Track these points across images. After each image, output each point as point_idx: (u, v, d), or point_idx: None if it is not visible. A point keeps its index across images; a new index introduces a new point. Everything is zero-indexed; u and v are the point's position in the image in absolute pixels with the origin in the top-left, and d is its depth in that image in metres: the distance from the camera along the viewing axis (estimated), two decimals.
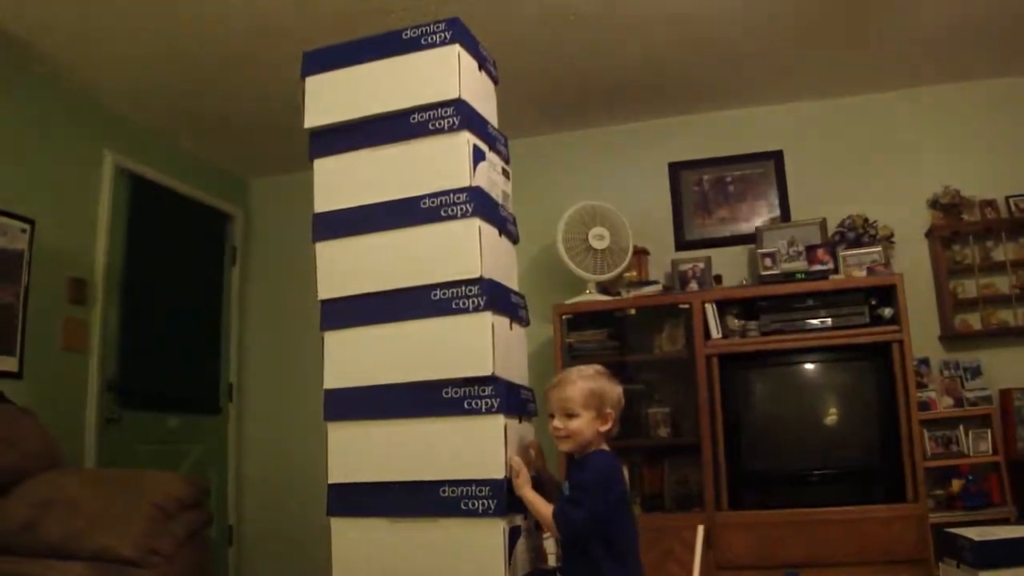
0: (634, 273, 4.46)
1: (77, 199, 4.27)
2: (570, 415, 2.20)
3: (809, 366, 4.01)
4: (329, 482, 2.38)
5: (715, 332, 3.99)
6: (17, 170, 3.89)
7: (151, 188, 4.79)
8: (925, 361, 4.19)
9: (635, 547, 2.16)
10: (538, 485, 2.25)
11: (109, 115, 4.48)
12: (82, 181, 4.31)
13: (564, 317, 4.26)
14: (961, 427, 4.05)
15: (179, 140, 4.99)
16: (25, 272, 3.86)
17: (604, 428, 2.17)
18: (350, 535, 2.36)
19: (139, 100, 4.44)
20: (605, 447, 2.21)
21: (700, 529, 1.09)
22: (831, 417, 3.95)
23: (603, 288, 4.37)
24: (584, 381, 2.23)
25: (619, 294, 4.33)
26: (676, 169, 4.80)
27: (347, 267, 2.44)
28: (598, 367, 2.29)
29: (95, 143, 4.40)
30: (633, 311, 4.26)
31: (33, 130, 4.00)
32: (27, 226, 3.88)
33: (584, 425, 2.18)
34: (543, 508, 2.15)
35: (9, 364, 3.74)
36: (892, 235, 4.31)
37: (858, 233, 4.25)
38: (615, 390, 2.21)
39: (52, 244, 4.02)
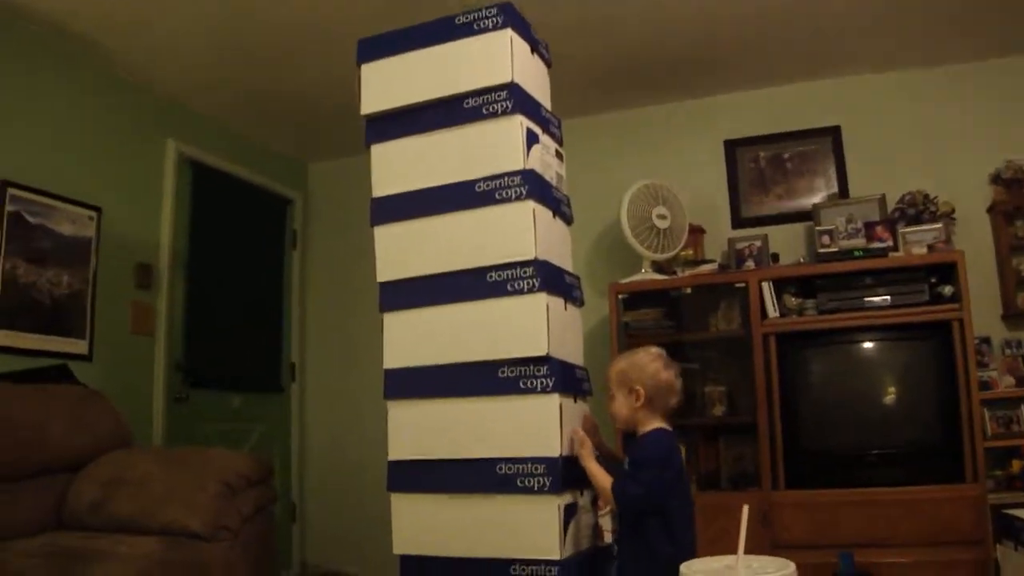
0: (690, 251, 4.43)
1: (142, 186, 4.39)
2: (611, 397, 2.27)
3: (867, 345, 3.96)
4: (389, 459, 2.45)
5: (772, 311, 3.95)
6: (84, 160, 4.01)
7: (213, 174, 4.90)
8: (986, 340, 4.11)
9: (691, 525, 2.19)
10: (598, 460, 2.29)
11: (170, 104, 4.59)
12: (146, 169, 4.42)
13: (620, 296, 4.26)
14: (1023, 407, 3.97)
15: (239, 126, 5.08)
16: (93, 258, 3.99)
17: (639, 403, 2.22)
18: (409, 510, 2.43)
19: (199, 88, 4.53)
20: (664, 425, 2.24)
21: (745, 509, 1.11)
22: (889, 396, 3.89)
23: (658, 267, 4.35)
24: (617, 363, 2.32)
25: (675, 273, 4.31)
26: (732, 146, 4.74)
27: (404, 250, 2.50)
28: (649, 348, 2.33)
29: (158, 132, 4.50)
30: (689, 290, 4.23)
31: (97, 122, 4.11)
32: (94, 214, 4.00)
33: (620, 405, 2.27)
34: (603, 480, 2.21)
35: (80, 347, 3.88)
36: (953, 211, 4.22)
37: (918, 210, 4.17)
38: (648, 366, 2.25)
39: (118, 231, 4.15)
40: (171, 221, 4.52)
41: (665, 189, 4.36)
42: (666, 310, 4.26)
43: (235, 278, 5.02)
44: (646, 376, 2.23)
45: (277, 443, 5.20)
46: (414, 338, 2.46)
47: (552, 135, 2.60)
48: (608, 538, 2.48)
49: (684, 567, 0.99)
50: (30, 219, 3.66)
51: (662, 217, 4.28)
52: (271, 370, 5.34)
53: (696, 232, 4.50)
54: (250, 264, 5.20)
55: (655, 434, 2.22)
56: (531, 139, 2.42)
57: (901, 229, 4.10)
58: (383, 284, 2.52)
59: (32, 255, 3.66)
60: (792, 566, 0.97)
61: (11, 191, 3.57)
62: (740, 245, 4.43)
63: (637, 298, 4.29)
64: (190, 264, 4.65)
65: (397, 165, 2.55)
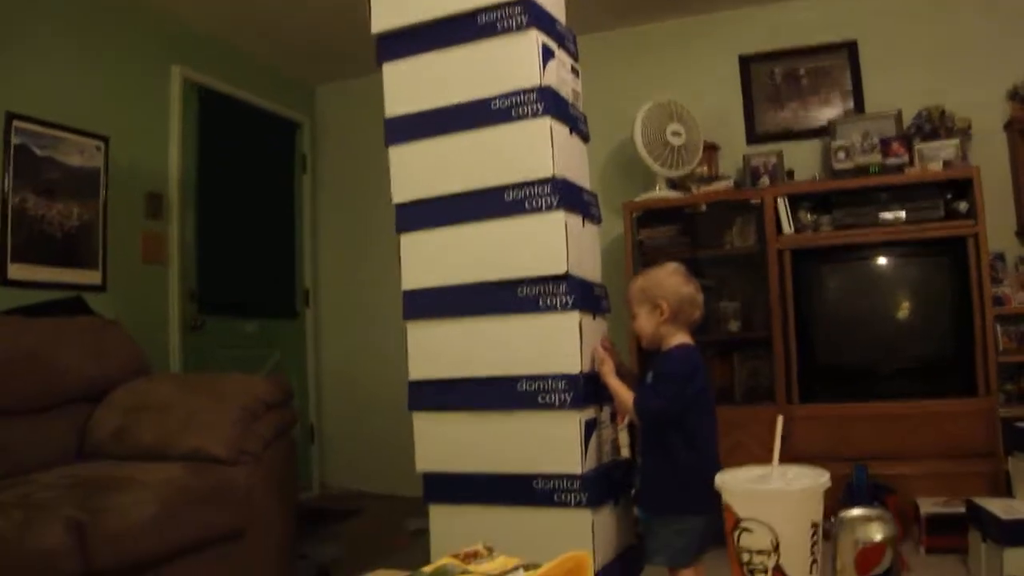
0: (704, 168, 4.40)
1: (148, 114, 4.34)
2: (633, 316, 2.27)
3: (882, 260, 3.94)
4: (410, 379, 2.46)
5: (787, 227, 3.94)
6: (89, 89, 3.95)
7: (220, 100, 4.84)
8: (1000, 256, 4.09)
9: (712, 439, 2.21)
10: (618, 376, 2.30)
11: (174, 28, 4.51)
12: (152, 96, 4.37)
13: (634, 214, 4.24)
14: None
15: (245, 49, 5.00)
16: (103, 189, 3.97)
17: (664, 318, 2.22)
18: (431, 429, 2.45)
19: (203, 10, 4.45)
20: (687, 340, 2.25)
21: (780, 419, 1.11)
22: (903, 311, 3.90)
23: (673, 184, 4.33)
24: (637, 281, 2.32)
25: (689, 190, 4.28)
26: (747, 62, 4.66)
27: (420, 170, 2.48)
28: (667, 264, 2.33)
29: (162, 57, 4.44)
30: (704, 207, 4.21)
31: (101, 49, 4.04)
32: (102, 144, 3.97)
33: (643, 322, 2.27)
34: (625, 395, 2.23)
35: (93, 278, 3.89)
36: (969, 127, 4.16)
37: (934, 125, 4.12)
38: (668, 281, 2.24)
39: (127, 160, 4.11)
40: (179, 148, 4.48)
41: (679, 106, 4.31)
42: (681, 227, 4.24)
43: (246, 205, 5.01)
44: (668, 291, 2.22)
45: (293, 368, 5.24)
46: (432, 259, 2.45)
47: (568, 51, 2.55)
48: (625, 452, 2.51)
49: (719, 476, 0.99)
50: (37, 151, 3.63)
51: (676, 134, 4.24)
52: (285, 296, 5.37)
53: (710, 149, 4.46)
54: (261, 190, 5.18)
55: (680, 349, 2.23)
56: (547, 55, 2.37)
57: (917, 145, 4.05)
58: (399, 205, 2.50)
59: (41, 187, 3.64)
60: (827, 475, 0.97)
61: (16, 123, 3.54)
62: (755, 162, 4.40)
63: (651, 216, 4.27)
64: (200, 191, 4.62)
65: (410, 84, 2.51)
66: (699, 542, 2.16)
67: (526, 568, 1.18)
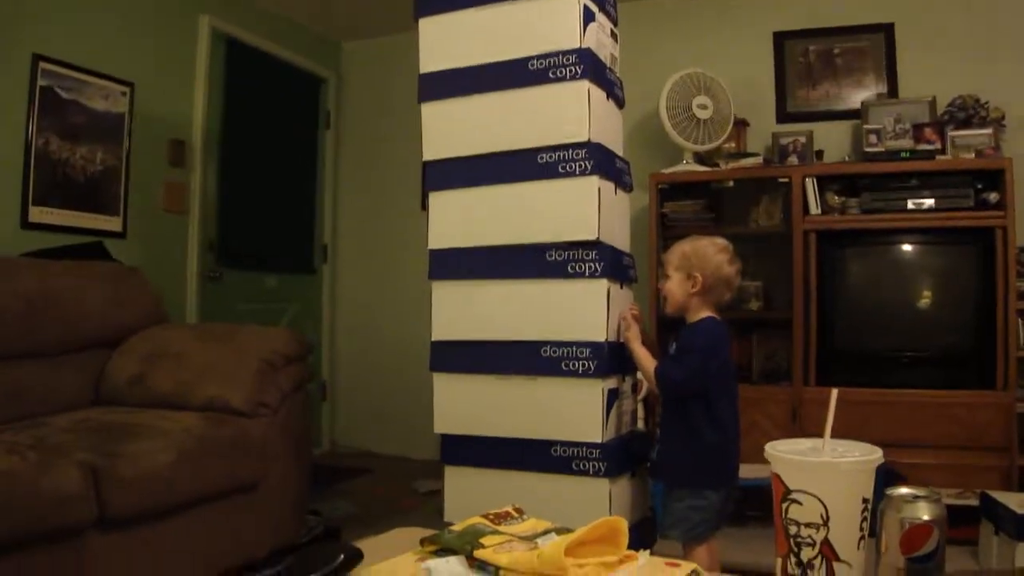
0: (733, 144, 4.34)
1: (175, 62, 4.31)
2: (667, 276, 2.23)
3: (908, 247, 3.90)
4: (433, 339, 2.44)
5: (814, 208, 3.89)
6: (116, 34, 3.91)
7: (246, 51, 4.80)
8: None
9: (733, 415, 2.19)
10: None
11: None
12: (179, 44, 4.34)
13: (659, 186, 4.20)
14: None
15: (273, 2, 4.94)
16: (126, 135, 3.94)
17: (695, 290, 2.18)
18: (451, 390, 2.44)
19: None
20: (714, 315, 2.22)
21: (834, 392, 1.10)
22: (926, 300, 3.86)
23: (700, 158, 4.28)
24: (681, 245, 2.26)
25: (717, 165, 4.23)
26: (781, 39, 4.59)
27: (452, 128, 2.44)
28: (716, 239, 2.27)
29: (191, 7, 4.39)
30: (731, 183, 4.15)
31: None
32: (127, 89, 3.93)
33: (675, 286, 2.22)
34: (648, 363, 2.21)
35: (114, 224, 3.87)
36: (1003, 117, 4.10)
37: (968, 114, 4.06)
38: (713, 257, 2.20)
39: (151, 107, 4.08)
40: (204, 98, 4.44)
41: (708, 78, 4.25)
42: (706, 203, 4.20)
43: (268, 158, 4.98)
44: (709, 266, 2.18)
45: (308, 324, 5.24)
46: (460, 219, 2.43)
47: (608, 14, 2.51)
48: (640, 424, 2.50)
49: (769, 446, 0.97)
50: (63, 94, 3.60)
51: (703, 107, 4.18)
52: (303, 250, 5.35)
53: (740, 125, 4.40)
54: (283, 144, 5.15)
55: (706, 322, 2.20)
56: (588, 16, 2.33)
57: (950, 132, 3.99)
58: (429, 163, 2.48)
59: (65, 131, 3.62)
60: (879, 451, 0.95)
61: (43, 65, 3.50)
62: (784, 140, 4.34)
63: (677, 189, 4.23)
64: (223, 142, 4.59)
65: (446, 40, 2.47)
66: (715, 519, 2.15)
67: (557, 532, 1.17)
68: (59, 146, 3.58)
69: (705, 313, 2.21)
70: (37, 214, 3.48)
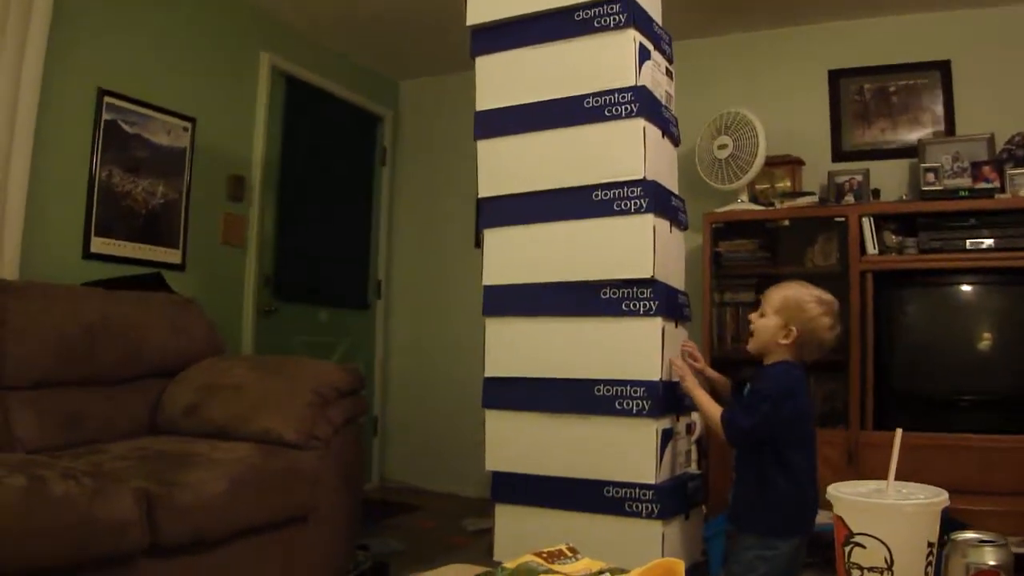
0: (787, 183, 4.31)
1: (235, 99, 4.40)
2: (762, 313, 2.17)
3: (967, 287, 3.81)
4: (486, 376, 2.44)
5: (871, 247, 3.83)
6: (179, 71, 4.01)
7: (305, 89, 4.89)
8: None
9: (810, 464, 2.10)
10: (707, 384, 2.24)
11: (266, 18, 4.56)
12: (240, 81, 4.44)
13: (713, 225, 4.18)
14: None
15: (331, 41, 5.04)
16: (187, 169, 4.03)
17: (785, 341, 2.11)
18: (503, 428, 2.43)
19: (294, 2, 4.49)
20: (792, 359, 2.13)
21: (898, 432, 1.07)
22: (986, 341, 3.76)
23: (754, 198, 4.25)
24: (789, 289, 2.19)
25: (771, 204, 4.20)
26: (836, 76, 4.56)
27: (508, 165, 2.46)
28: (825, 295, 2.20)
29: (252, 44, 4.50)
30: (787, 222, 4.11)
31: (193, 32, 4.10)
32: (189, 124, 4.03)
33: (767, 328, 2.14)
34: (712, 410, 2.15)
35: (174, 256, 3.95)
36: None
37: None
38: (818, 318, 2.12)
39: (212, 142, 4.17)
40: (264, 134, 4.53)
41: (732, 116, 4.22)
42: (761, 242, 4.16)
43: (324, 194, 5.04)
44: (811, 325, 2.11)
45: (361, 358, 5.26)
46: (515, 255, 2.43)
47: (663, 52, 2.52)
48: (694, 467, 2.46)
49: (832, 488, 0.95)
50: (126, 128, 3.69)
51: (723, 147, 4.18)
52: (358, 286, 5.39)
53: (795, 164, 4.36)
54: (340, 180, 5.21)
55: (782, 367, 2.12)
56: (643, 55, 2.34)
57: (1009, 170, 3.92)
58: (485, 200, 2.49)
59: (128, 164, 3.70)
60: (945, 493, 0.93)
61: (108, 99, 3.60)
62: (840, 179, 4.29)
63: (731, 228, 4.20)
64: (281, 178, 4.68)
65: (502, 78, 2.49)
66: (784, 569, 2.06)
67: (612, 572, 1.15)
68: (122, 178, 3.66)
69: (783, 356, 2.13)
70: (99, 245, 3.55)
